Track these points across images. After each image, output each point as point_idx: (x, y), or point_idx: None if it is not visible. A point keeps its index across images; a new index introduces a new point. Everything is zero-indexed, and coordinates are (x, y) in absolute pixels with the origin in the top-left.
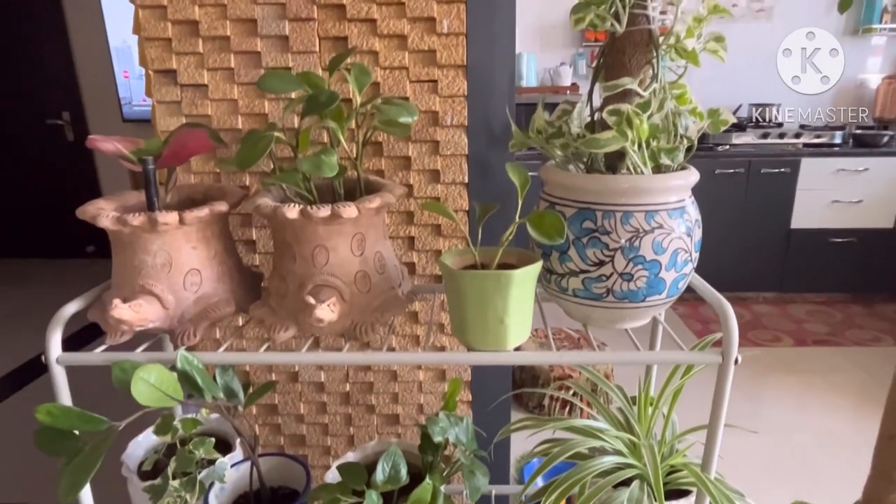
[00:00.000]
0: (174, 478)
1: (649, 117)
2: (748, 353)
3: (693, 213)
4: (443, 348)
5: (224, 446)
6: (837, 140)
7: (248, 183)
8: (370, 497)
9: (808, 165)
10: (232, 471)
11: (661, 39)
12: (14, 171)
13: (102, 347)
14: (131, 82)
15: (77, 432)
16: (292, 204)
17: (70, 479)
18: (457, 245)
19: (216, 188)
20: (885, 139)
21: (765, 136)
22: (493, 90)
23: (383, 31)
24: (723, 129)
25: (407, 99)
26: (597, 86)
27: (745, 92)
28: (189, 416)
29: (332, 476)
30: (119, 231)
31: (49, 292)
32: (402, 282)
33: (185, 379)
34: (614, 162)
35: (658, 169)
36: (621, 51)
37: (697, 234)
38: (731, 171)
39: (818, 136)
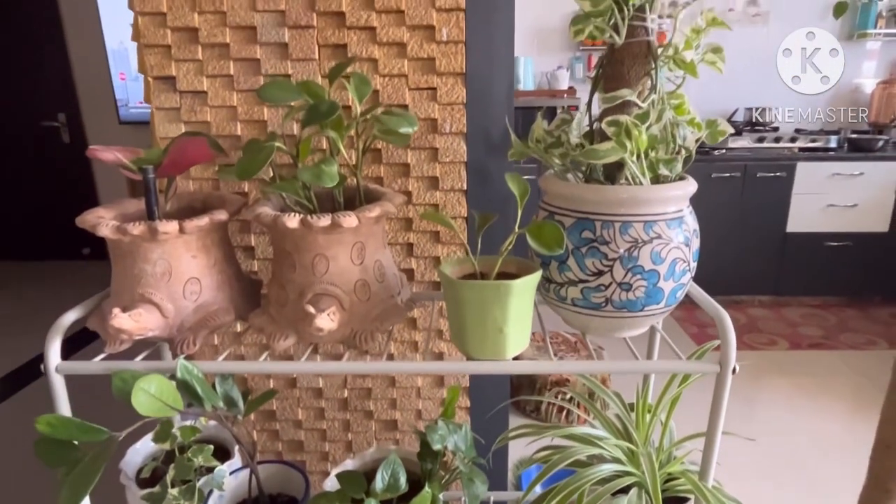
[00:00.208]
0: (173, 486)
1: (648, 128)
2: (744, 361)
3: (691, 222)
4: (441, 354)
5: (223, 453)
6: (833, 144)
7: (247, 189)
8: None
9: (804, 169)
10: (231, 478)
11: (659, 50)
12: (9, 173)
13: (101, 356)
14: (128, 84)
15: (76, 442)
16: (292, 213)
17: (70, 490)
18: (455, 252)
19: (216, 196)
20: (880, 143)
21: (760, 140)
22: (491, 98)
23: (383, 38)
24: (720, 139)
25: (406, 107)
26: (595, 96)
27: (741, 96)
28: (188, 423)
29: (331, 484)
30: (119, 240)
31: (45, 295)
32: (402, 289)
33: (185, 388)
34: (613, 172)
35: (656, 179)
36: (620, 62)
37: (695, 243)
38: (728, 175)
39: (814, 140)
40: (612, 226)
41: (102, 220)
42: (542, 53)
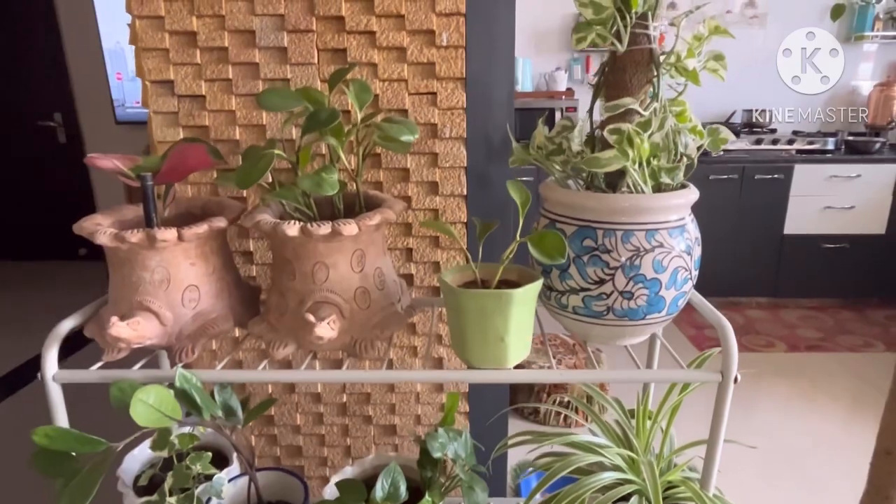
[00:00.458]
0: (171, 494)
1: (650, 136)
2: (743, 367)
3: (693, 231)
4: (440, 360)
5: (221, 459)
6: (830, 146)
7: (246, 195)
8: None
9: (802, 172)
10: (229, 486)
11: (661, 58)
12: (4, 173)
13: (99, 364)
14: (124, 84)
15: (74, 454)
16: (292, 221)
17: (68, 501)
18: (455, 258)
19: (214, 202)
20: (877, 146)
21: (758, 142)
22: (492, 103)
23: (382, 43)
24: (722, 147)
25: (406, 112)
26: (597, 103)
27: (739, 98)
28: (186, 430)
29: (331, 492)
30: (117, 248)
31: (41, 295)
32: (402, 296)
33: (184, 397)
34: (614, 179)
35: (658, 187)
36: (622, 69)
37: (697, 251)
38: (725, 177)
39: (811, 143)
40: (614, 234)
41: (100, 228)
42: (540, 55)
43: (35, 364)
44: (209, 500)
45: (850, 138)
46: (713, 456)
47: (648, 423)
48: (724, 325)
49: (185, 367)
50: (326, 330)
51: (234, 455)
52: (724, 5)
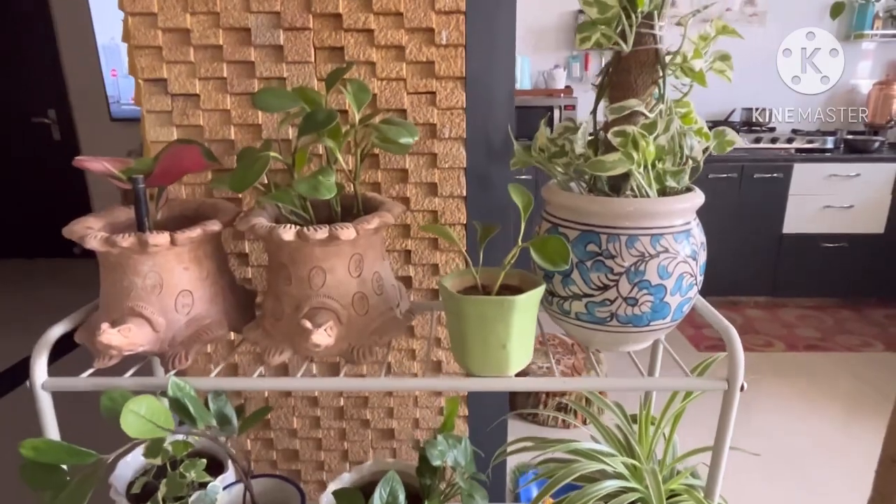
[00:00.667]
0: (165, 502)
1: (655, 139)
2: (747, 374)
3: (698, 235)
4: (439, 364)
5: (216, 465)
6: (829, 145)
7: (240, 196)
8: None
9: (801, 170)
10: (224, 493)
11: (667, 58)
12: None
13: (89, 372)
14: (119, 81)
15: (64, 466)
16: (288, 225)
17: None
18: (454, 259)
19: (209, 204)
20: (876, 145)
21: (757, 140)
22: (492, 102)
23: (381, 41)
24: (728, 149)
25: (404, 111)
26: (601, 104)
27: (738, 96)
28: (180, 437)
29: (327, 500)
30: (108, 252)
31: (34, 294)
32: (401, 301)
33: (177, 406)
34: (618, 182)
35: (663, 191)
36: (627, 70)
37: (702, 256)
38: (724, 175)
39: (810, 141)
40: (618, 239)
41: (91, 232)
42: (539, 52)
43: (26, 365)
44: None
45: (850, 137)
46: (718, 465)
47: (651, 428)
48: (730, 332)
49: (179, 373)
50: (323, 337)
51: (230, 462)
52: (723, 3)
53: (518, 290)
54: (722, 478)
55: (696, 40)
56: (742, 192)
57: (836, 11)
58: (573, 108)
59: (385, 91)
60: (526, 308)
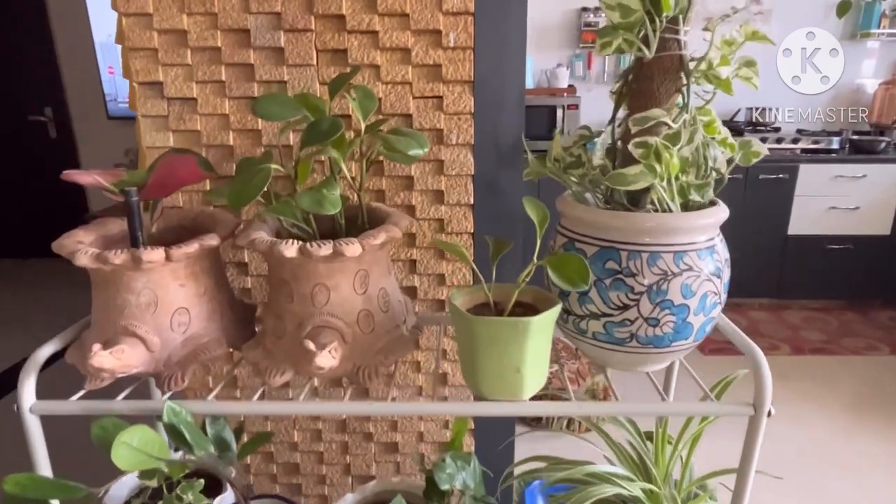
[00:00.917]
0: None
1: (679, 150)
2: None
3: (722, 251)
4: (445, 375)
5: (214, 484)
6: (835, 145)
7: None
8: None
9: (807, 172)
10: None
11: (691, 65)
12: None
13: (80, 394)
14: (116, 79)
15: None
16: (290, 241)
17: None
18: (461, 269)
19: (206, 214)
20: (882, 145)
21: (762, 141)
22: (501, 107)
23: (386, 43)
24: (754, 161)
25: (410, 116)
26: (620, 112)
27: (743, 96)
28: (177, 458)
29: None
30: (100, 269)
31: (31, 293)
32: (407, 316)
33: (173, 432)
34: (637, 195)
35: (686, 205)
36: (649, 77)
37: (726, 274)
38: (729, 176)
39: (816, 142)
40: (640, 256)
41: (81, 247)
42: (542, 51)
43: (18, 370)
44: None
45: (855, 137)
46: (742, 493)
47: (668, 448)
48: (756, 355)
49: (176, 393)
50: (328, 359)
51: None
52: (727, 1)
53: (532, 308)
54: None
55: (720, 45)
56: (747, 193)
57: (842, 10)
58: (576, 107)
59: (390, 95)
60: (541, 329)
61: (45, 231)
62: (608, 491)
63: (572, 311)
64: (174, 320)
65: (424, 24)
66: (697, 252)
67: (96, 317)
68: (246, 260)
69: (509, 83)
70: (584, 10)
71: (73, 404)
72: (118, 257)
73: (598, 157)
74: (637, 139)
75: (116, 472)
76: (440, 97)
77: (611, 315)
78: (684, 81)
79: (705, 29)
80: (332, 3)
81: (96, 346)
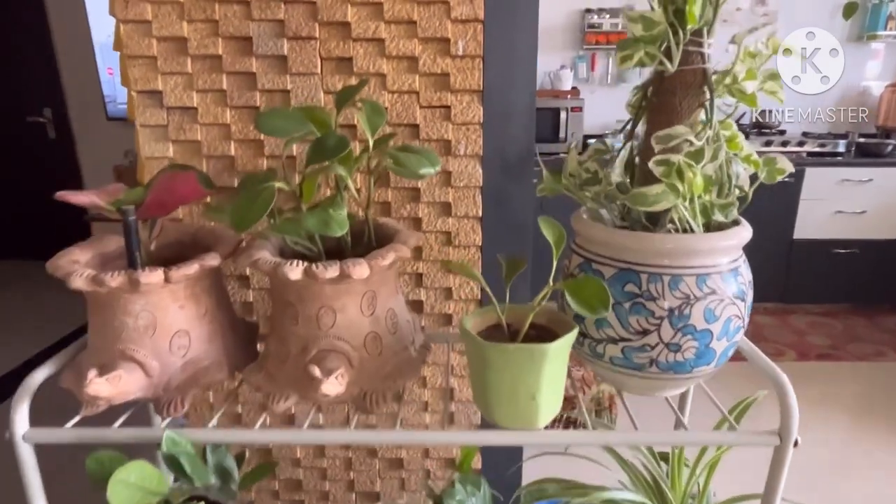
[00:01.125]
0: None
1: (702, 168)
2: (759, 386)
3: (746, 273)
4: (452, 391)
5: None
6: (841, 148)
7: None
8: None
9: (813, 175)
10: None
11: (714, 77)
12: None
13: (75, 420)
14: (115, 80)
15: None
16: (295, 262)
17: None
18: (469, 283)
19: (207, 230)
20: (889, 148)
21: (768, 143)
22: (511, 117)
23: (392, 51)
24: (779, 178)
25: (417, 126)
26: (639, 128)
27: None
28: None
29: None
30: (96, 291)
31: (31, 296)
32: (415, 336)
33: (172, 463)
34: (657, 212)
35: (708, 224)
36: (671, 92)
37: (750, 296)
38: None
39: (822, 145)
40: (661, 279)
41: (77, 268)
42: (545, 52)
43: (17, 375)
44: None
45: (862, 140)
46: None
47: (686, 470)
48: (781, 381)
49: (174, 419)
50: (334, 386)
51: None
52: (733, 2)
53: (546, 330)
54: None
55: (743, 58)
56: (753, 197)
57: (848, 11)
58: (580, 109)
59: (396, 105)
60: (558, 356)
61: (45, 232)
62: None
63: (589, 335)
64: (173, 343)
65: (432, 32)
66: (721, 275)
67: (93, 339)
68: (247, 273)
69: (519, 92)
70: (588, 11)
71: (68, 432)
72: (114, 280)
73: (616, 174)
74: (658, 157)
75: None
76: (448, 107)
77: (630, 340)
78: (707, 96)
79: (732, 42)
80: (337, 10)
81: (91, 373)
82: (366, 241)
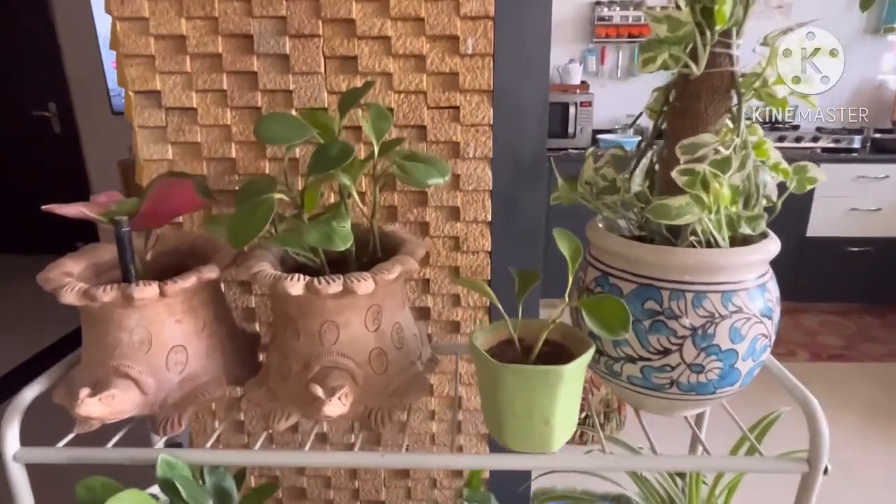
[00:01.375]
0: None
1: (729, 178)
2: (773, 399)
3: (773, 289)
4: (460, 400)
5: None
6: (856, 144)
7: None
8: None
9: (827, 171)
10: None
11: (741, 80)
12: None
13: (68, 438)
14: None
15: None
16: (296, 276)
17: None
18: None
19: (205, 239)
20: None
21: (781, 139)
22: (522, 118)
23: (398, 50)
24: (809, 188)
25: (424, 128)
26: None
27: None
28: None
29: None
30: (88, 306)
31: (37, 291)
32: (422, 349)
33: (168, 488)
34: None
35: (733, 237)
36: (696, 96)
37: (777, 313)
38: None
39: (836, 141)
40: (683, 296)
41: (68, 282)
42: (553, 46)
43: (19, 373)
44: None
45: (877, 136)
46: None
47: (704, 488)
48: (811, 405)
49: (171, 444)
50: (337, 407)
51: None
52: None
53: (561, 347)
54: None
55: (773, 59)
56: None
57: (866, 3)
58: (589, 104)
59: (403, 105)
60: (574, 377)
61: (51, 227)
62: None
63: (605, 352)
64: (170, 359)
65: (441, 30)
66: (748, 291)
67: (86, 354)
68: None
69: (531, 92)
70: (598, 3)
71: (60, 452)
72: (107, 294)
73: (636, 184)
74: (682, 166)
75: None
76: (457, 107)
77: (649, 359)
78: (735, 101)
79: (763, 44)
80: (341, 7)
81: (83, 392)
82: (371, 250)
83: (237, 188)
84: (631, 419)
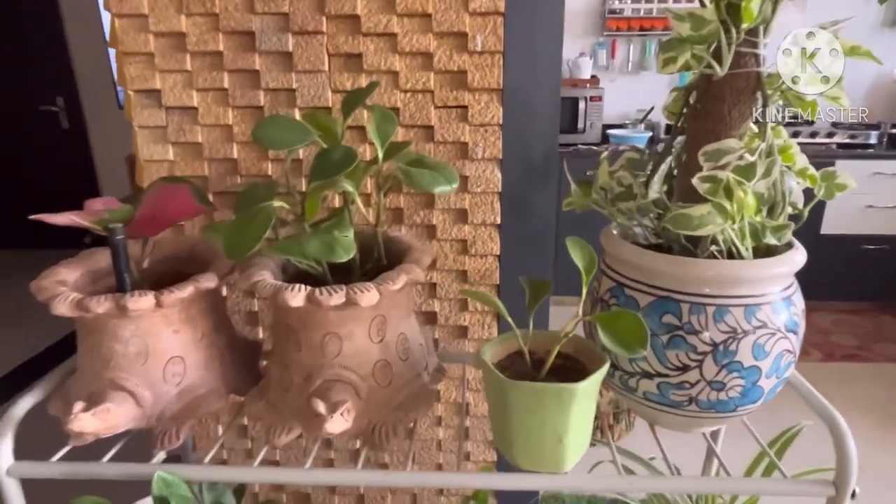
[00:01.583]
0: None
1: (753, 185)
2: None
3: (799, 302)
4: (467, 406)
5: None
6: (873, 140)
7: None
8: None
9: (843, 168)
10: None
11: (767, 78)
12: (6, 160)
13: (63, 451)
14: None
15: None
16: (297, 287)
17: None
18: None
19: (205, 245)
20: None
21: (795, 135)
22: (533, 118)
23: (405, 47)
24: (838, 194)
25: (431, 128)
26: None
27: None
28: None
29: None
30: (82, 317)
31: None
32: (428, 359)
33: None
34: None
35: (757, 247)
36: (719, 98)
37: (803, 326)
38: None
39: (853, 136)
40: (704, 310)
41: (61, 291)
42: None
43: (26, 368)
44: None
45: (895, 131)
46: None
47: (720, 502)
48: (838, 424)
49: (170, 458)
50: (340, 424)
51: None
52: None
53: (573, 361)
54: None
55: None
56: None
57: None
58: (599, 99)
59: (409, 104)
60: (588, 394)
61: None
62: None
63: (620, 367)
64: (167, 371)
65: (448, 26)
66: (772, 305)
67: (82, 365)
68: None
69: (542, 91)
70: None
71: (55, 467)
72: (101, 305)
73: (654, 190)
74: (703, 173)
75: None
76: (465, 107)
77: (667, 376)
78: (761, 103)
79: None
80: (345, 3)
81: (76, 407)
82: (375, 256)
83: (239, 191)
84: (640, 420)
